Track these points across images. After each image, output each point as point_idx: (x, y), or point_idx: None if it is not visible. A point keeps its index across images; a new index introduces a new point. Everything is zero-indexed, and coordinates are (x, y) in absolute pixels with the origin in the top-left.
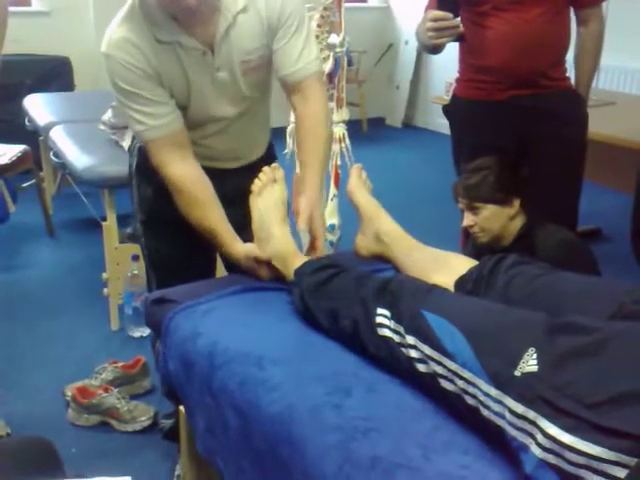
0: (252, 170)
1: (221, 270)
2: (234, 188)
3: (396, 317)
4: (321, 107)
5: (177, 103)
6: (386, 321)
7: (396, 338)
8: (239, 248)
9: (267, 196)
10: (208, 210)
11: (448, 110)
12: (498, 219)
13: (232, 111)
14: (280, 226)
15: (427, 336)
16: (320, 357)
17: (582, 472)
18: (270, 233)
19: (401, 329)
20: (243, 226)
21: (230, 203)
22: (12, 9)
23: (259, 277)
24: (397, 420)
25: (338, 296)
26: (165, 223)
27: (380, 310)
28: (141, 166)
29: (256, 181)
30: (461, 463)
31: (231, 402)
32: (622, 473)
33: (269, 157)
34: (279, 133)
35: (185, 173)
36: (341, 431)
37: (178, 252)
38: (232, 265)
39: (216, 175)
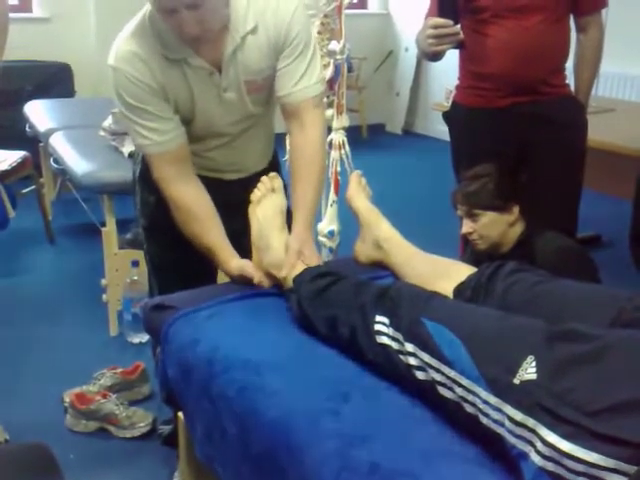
0: (253, 181)
1: (222, 276)
2: (235, 198)
3: (395, 324)
4: (318, 135)
5: (181, 117)
6: (385, 328)
7: (395, 345)
8: (232, 264)
9: (266, 205)
10: (207, 229)
11: (448, 117)
12: (497, 226)
13: (236, 127)
14: (279, 235)
15: (426, 343)
16: (318, 364)
17: None
18: (269, 242)
19: (400, 336)
20: (240, 234)
21: (229, 212)
22: (13, 15)
23: (259, 284)
24: (396, 427)
25: (336, 303)
26: (167, 230)
27: (379, 317)
28: (144, 174)
29: (255, 191)
30: (460, 471)
31: (230, 408)
32: None
33: (272, 168)
34: (280, 139)
35: (185, 192)
36: (340, 438)
37: (179, 258)
38: None
39: (216, 185)
